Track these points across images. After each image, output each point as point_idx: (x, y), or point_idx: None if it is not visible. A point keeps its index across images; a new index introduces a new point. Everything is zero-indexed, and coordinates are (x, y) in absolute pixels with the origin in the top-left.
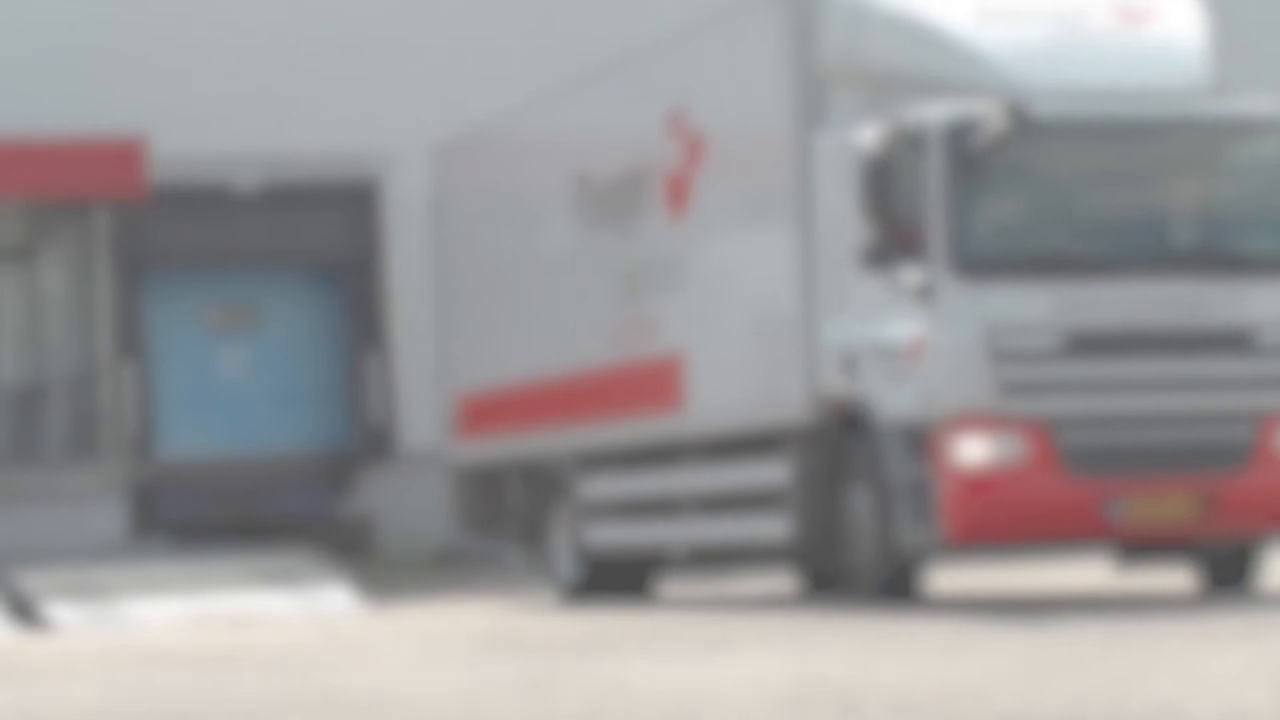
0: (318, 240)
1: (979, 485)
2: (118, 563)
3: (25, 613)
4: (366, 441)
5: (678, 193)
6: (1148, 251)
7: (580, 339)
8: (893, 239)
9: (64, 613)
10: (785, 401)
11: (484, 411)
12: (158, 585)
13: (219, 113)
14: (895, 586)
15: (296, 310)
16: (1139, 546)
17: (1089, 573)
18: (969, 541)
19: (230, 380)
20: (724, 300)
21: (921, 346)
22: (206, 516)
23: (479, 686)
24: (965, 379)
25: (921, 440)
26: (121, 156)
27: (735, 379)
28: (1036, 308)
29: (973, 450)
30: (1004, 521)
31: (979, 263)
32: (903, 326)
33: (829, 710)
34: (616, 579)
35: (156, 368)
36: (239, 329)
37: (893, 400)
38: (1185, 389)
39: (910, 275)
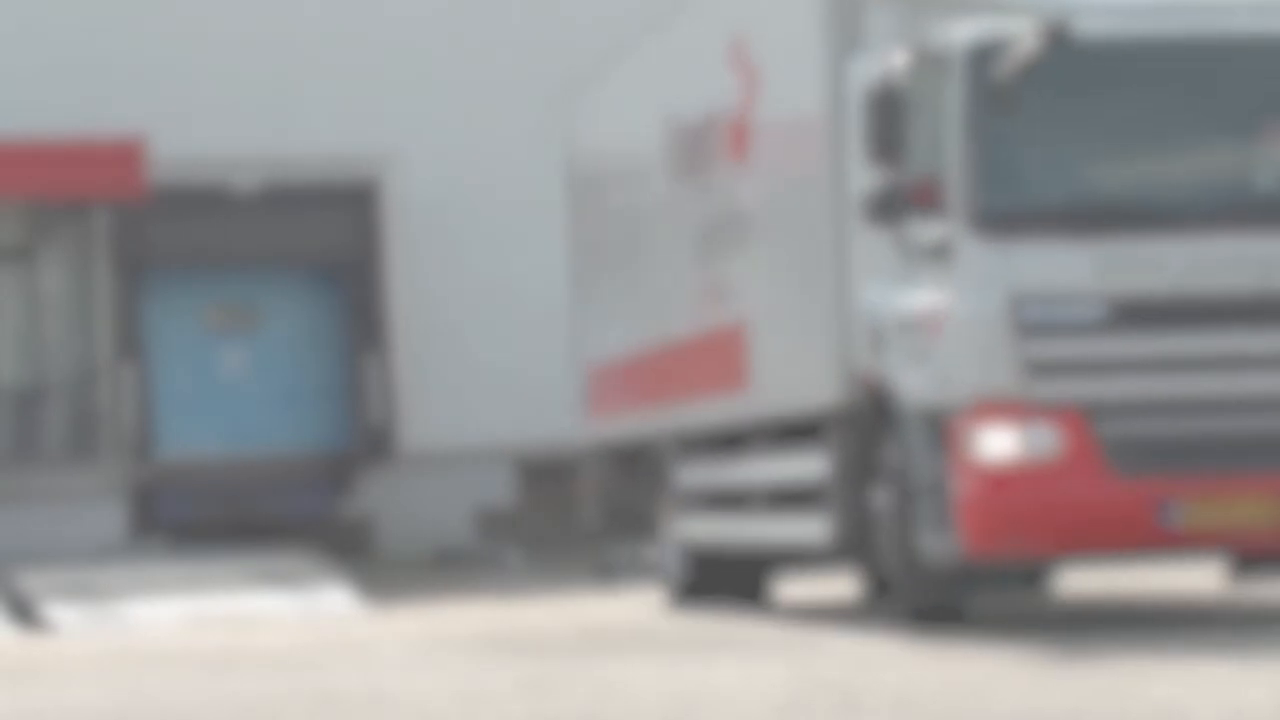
0: (318, 240)
1: (1002, 486)
2: (117, 563)
3: (25, 613)
4: (366, 442)
5: (739, 136)
6: (1215, 201)
7: (671, 306)
8: (904, 187)
9: (64, 613)
10: (821, 382)
11: (607, 388)
12: (157, 586)
13: (219, 113)
14: (938, 610)
15: (296, 310)
16: (1252, 555)
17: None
18: (992, 553)
19: (230, 380)
20: (776, 259)
21: (940, 317)
22: (206, 517)
23: (478, 687)
24: (987, 357)
25: (942, 431)
26: (121, 157)
27: (786, 354)
28: (1075, 270)
29: (995, 443)
30: (1034, 529)
31: (1004, 215)
32: (923, 293)
33: (829, 711)
34: (727, 580)
35: (156, 368)
36: (239, 329)
37: (914, 382)
38: (1259, 368)
39: (924, 231)
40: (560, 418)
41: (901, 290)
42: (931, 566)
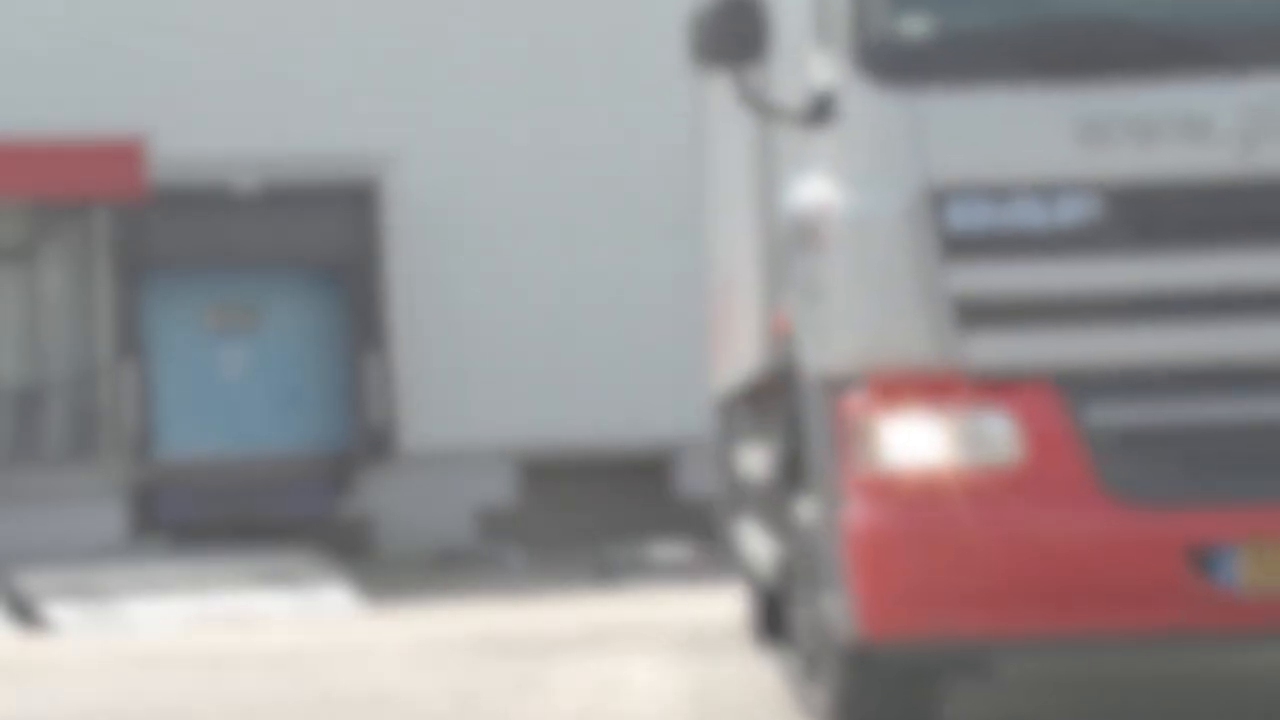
0: (318, 240)
1: (913, 518)
2: (118, 563)
3: (25, 613)
4: (366, 441)
5: None
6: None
7: (733, 220)
8: (761, 5)
9: (64, 613)
10: (751, 338)
11: (714, 331)
12: (158, 585)
13: (219, 113)
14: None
15: (296, 310)
16: None
17: None
18: (901, 635)
19: (230, 380)
20: (737, 144)
21: (820, 227)
22: (206, 517)
23: (478, 686)
24: (886, 295)
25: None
26: (121, 156)
27: (743, 294)
28: (1043, 140)
29: (903, 445)
30: (971, 598)
31: (918, 47)
32: (804, 187)
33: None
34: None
35: (156, 368)
36: (239, 329)
37: (811, 338)
38: None
39: (793, 79)
40: (560, 417)
41: (788, 182)
42: (846, 648)
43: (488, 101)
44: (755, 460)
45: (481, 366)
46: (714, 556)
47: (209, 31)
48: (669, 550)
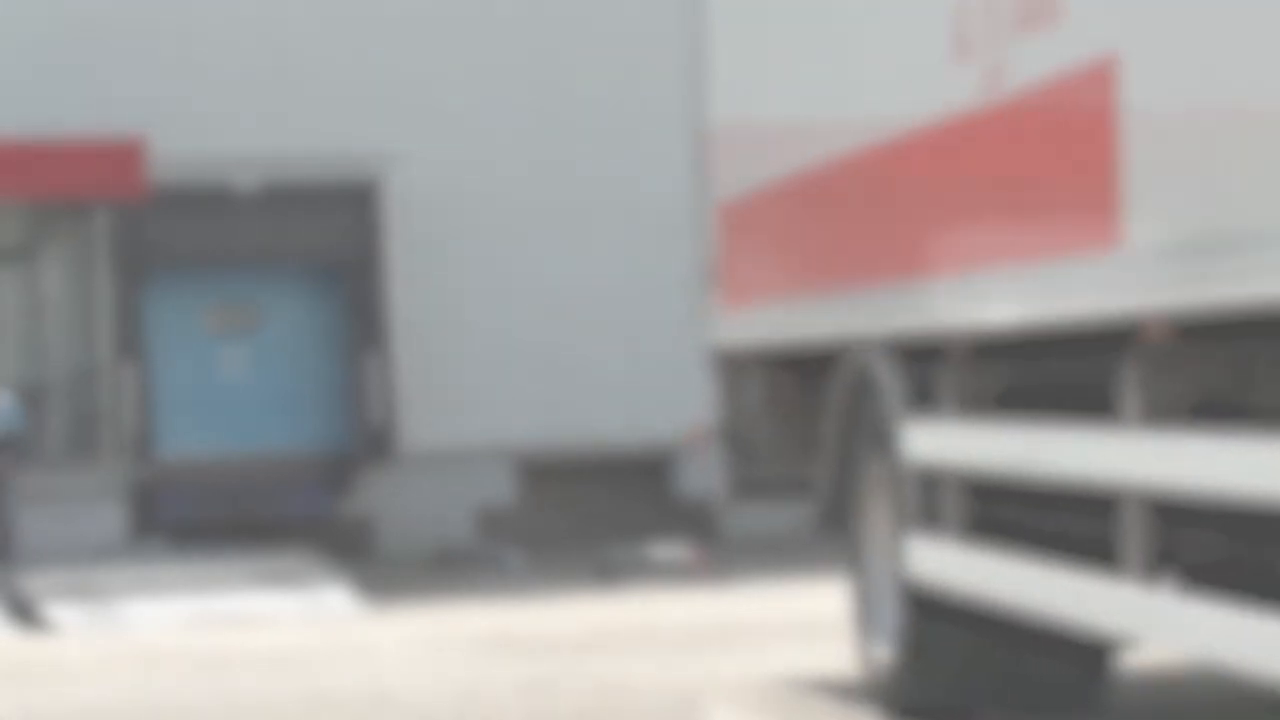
0: (318, 240)
1: None
2: (118, 563)
3: (25, 613)
4: (366, 442)
5: None
6: None
7: (895, 56)
8: None
9: (64, 613)
10: None
11: (753, 249)
12: (158, 585)
13: (219, 113)
14: None
15: (296, 310)
16: None
17: None
18: None
19: (230, 381)
20: None
21: None
22: (206, 517)
23: (479, 686)
24: None
25: None
26: (121, 156)
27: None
28: None
29: None
30: None
31: None
32: None
33: (828, 712)
34: (978, 653)
35: (156, 368)
36: (239, 329)
37: None
38: None
39: None
40: (560, 417)
41: None
42: None
43: (488, 101)
44: (1120, 454)
45: (481, 366)
46: (714, 557)
47: (209, 31)
48: (669, 550)
